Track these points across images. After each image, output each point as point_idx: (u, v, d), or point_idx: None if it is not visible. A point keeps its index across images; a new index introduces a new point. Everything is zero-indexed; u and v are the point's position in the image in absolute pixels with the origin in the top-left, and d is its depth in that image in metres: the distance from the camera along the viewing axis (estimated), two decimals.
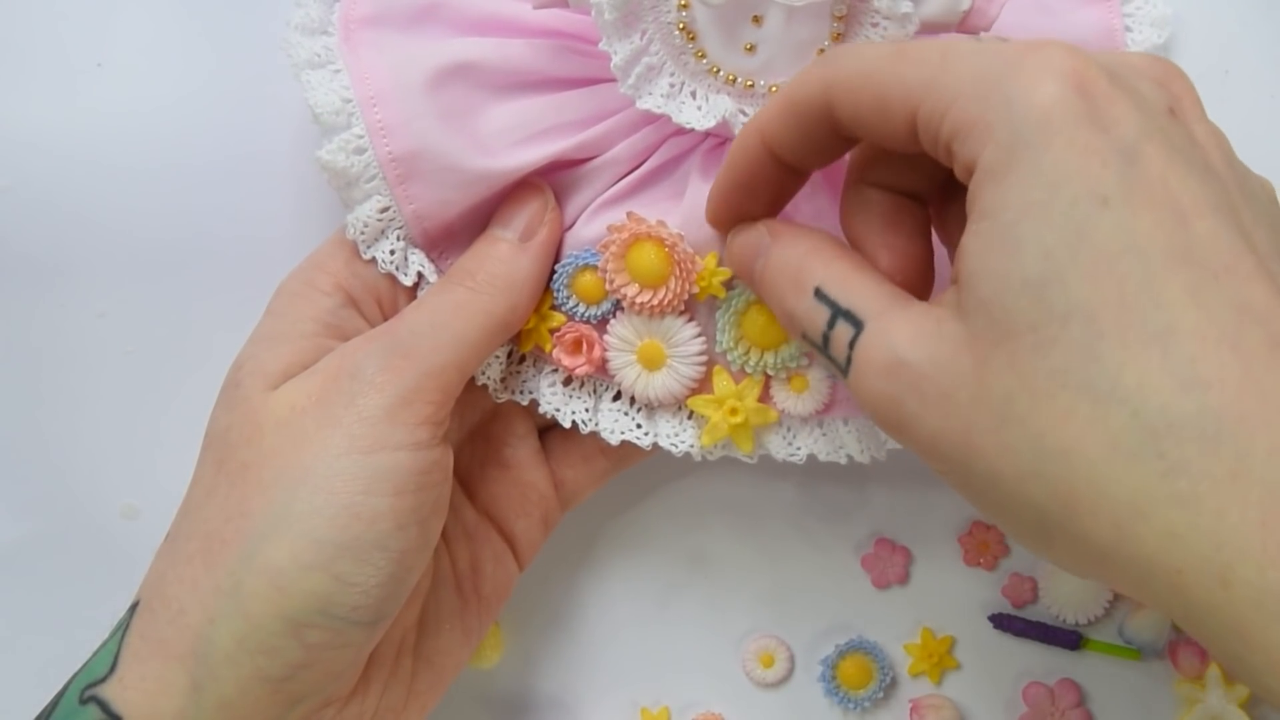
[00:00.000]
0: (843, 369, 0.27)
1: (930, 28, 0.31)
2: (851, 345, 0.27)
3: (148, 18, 0.39)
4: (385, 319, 0.34)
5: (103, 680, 0.30)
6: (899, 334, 0.26)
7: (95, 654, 0.31)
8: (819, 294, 0.28)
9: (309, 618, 0.29)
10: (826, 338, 0.28)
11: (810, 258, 0.29)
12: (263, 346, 0.32)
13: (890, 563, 0.40)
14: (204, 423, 0.33)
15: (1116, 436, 0.22)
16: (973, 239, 0.25)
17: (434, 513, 0.32)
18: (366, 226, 0.33)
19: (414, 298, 0.34)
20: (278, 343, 0.32)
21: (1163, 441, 0.22)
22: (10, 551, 0.39)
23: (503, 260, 0.33)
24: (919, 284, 0.29)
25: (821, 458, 0.36)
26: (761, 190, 0.31)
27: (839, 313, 0.27)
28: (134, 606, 0.31)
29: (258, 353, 0.32)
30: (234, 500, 0.30)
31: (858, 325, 0.27)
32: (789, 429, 0.35)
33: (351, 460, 0.30)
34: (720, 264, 0.33)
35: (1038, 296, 0.23)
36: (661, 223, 0.33)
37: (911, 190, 0.30)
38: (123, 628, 0.31)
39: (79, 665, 0.32)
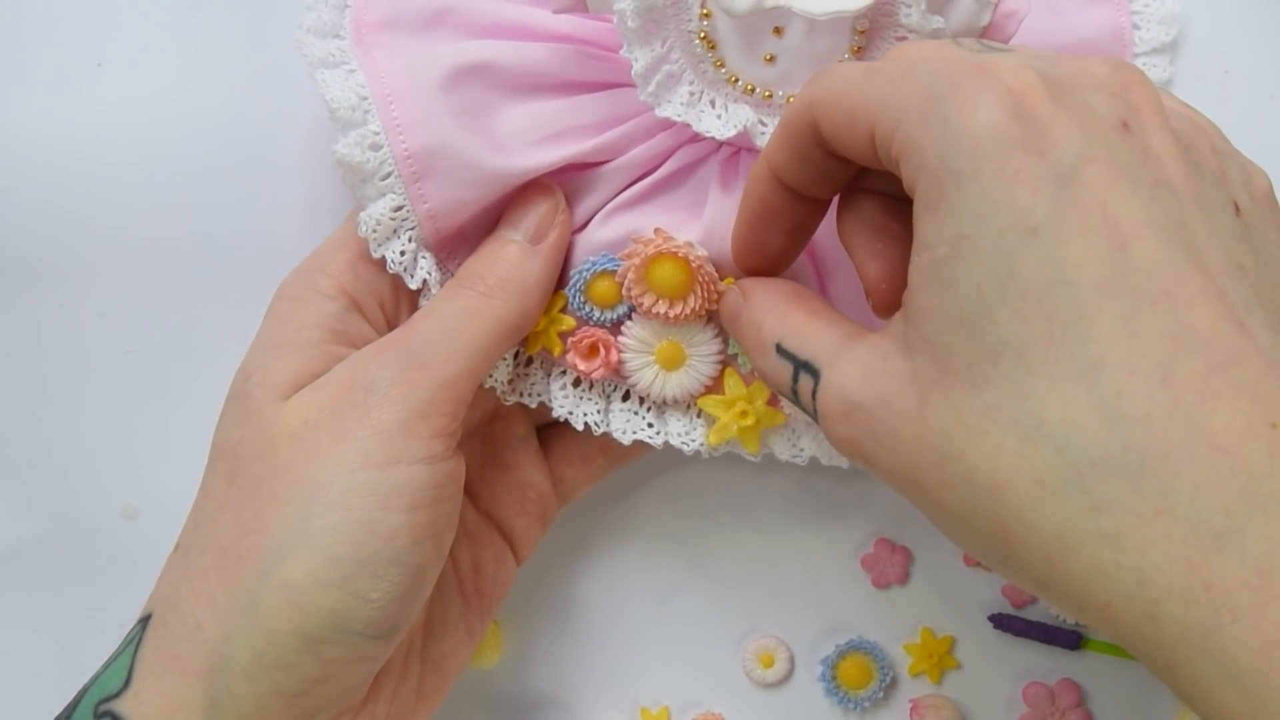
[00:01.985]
0: (814, 419, 0.28)
1: None
2: (814, 396, 0.27)
3: (147, 18, 0.39)
4: (388, 322, 0.34)
5: (117, 695, 0.30)
6: (849, 376, 0.26)
7: (106, 667, 0.31)
8: (780, 350, 0.28)
9: (326, 634, 0.29)
10: (795, 392, 0.28)
11: (768, 314, 0.29)
12: (269, 355, 0.32)
13: (890, 563, 0.40)
14: (206, 422, 0.33)
15: (1042, 474, 0.22)
16: (915, 273, 0.24)
17: (448, 525, 0.31)
18: (379, 225, 0.33)
19: (416, 302, 0.34)
20: (284, 351, 0.32)
21: (1087, 478, 0.22)
22: (10, 551, 0.39)
23: (513, 263, 0.33)
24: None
25: (824, 461, 0.36)
26: (778, 221, 0.31)
27: (799, 365, 0.28)
28: (145, 620, 0.31)
29: (265, 362, 0.32)
30: (248, 515, 0.30)
31: (815, 375, 0.27)
32: (793, 430, 0.36)
33: (367, 475, 0.29)
34: None
35: (971, 334, 0.23)
36: (689, 244, 0.33)
37: (903, 195, 0.30)
38: (135, 641, 0.31)
39: (79, 665, 0.32)
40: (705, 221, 0.33)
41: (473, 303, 0.32)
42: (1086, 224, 0.23)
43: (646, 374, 0.35)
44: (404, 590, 0.30)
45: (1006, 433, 0.23)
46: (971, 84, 0.24)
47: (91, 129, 0.38)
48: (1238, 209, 0.26)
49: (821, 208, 0.31)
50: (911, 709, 0.40)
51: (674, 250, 0.33)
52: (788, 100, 0.32)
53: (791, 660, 0.40)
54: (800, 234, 0.31)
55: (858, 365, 0.26)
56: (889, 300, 0.29)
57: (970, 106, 0.23)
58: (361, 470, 0.29)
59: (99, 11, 0.39)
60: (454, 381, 0.31)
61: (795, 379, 0.28)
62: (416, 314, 0.33)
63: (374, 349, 0.32)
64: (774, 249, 0.31)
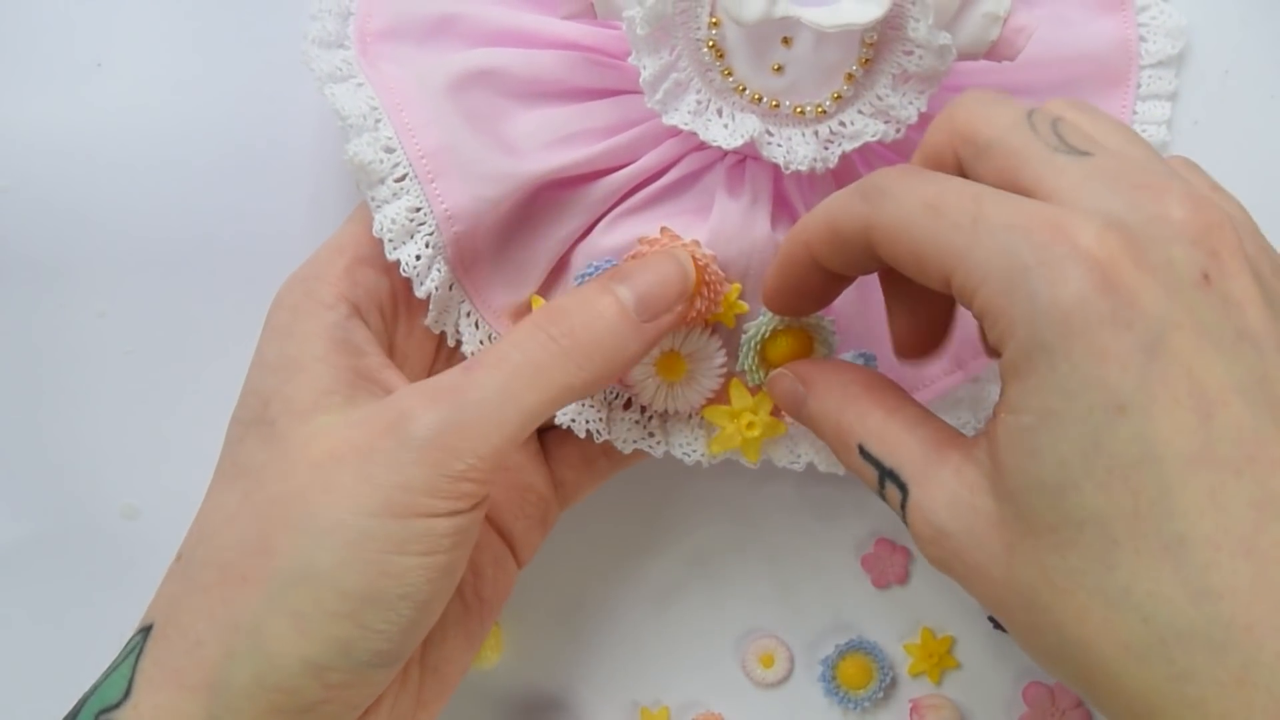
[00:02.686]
0: (905, 524, 0.28)
1: (959, 56, 0.31)
2: (903, 507, 0.28)
3: (148, 17, 0.39)
4: (387, 329, 0.34)
5: (116, 706, 0.29)
6: (938, 503, 0.27)
7: (106, 676, 0.31)
8: (863, 452, 0.29)
9: (331, 661, 0.29)
10: (884, 496, 0.29)
11: (846, 411, 0.30)
12: (281, 378, 0.31)
13: (890, 563, 0.40)
14: (206, 423, 0.33)
15: (1128, 640, 0.23)
16: (1001, 430, 0.25)
17: (462, 563, 0.31)
18: (394, 225, 0.32)
19: (421, 308, 0.34)
20: (294, 372, 0.31)
21: (1172, 649, 0.23)
22: (10, 551, 0.39)
23: (612, 332, 0.30)
24: (933, 341, 0.31)
25: (822, 468, 0.36)
26: (812, 291, 0.31)
27: (885, 473, 0.28)
28: (146, 630, 0.31)
29: (279, 386, 0.31)
30: (253, 534, 0.29)
31: (903, 489, 0.28)
32: (792, 438, 0.36)
33: (384, 522, 0.28)
34: (742, 297, 0.34)
35: (1056, 502, 0.24)
36: (695, 242, 0.33)
37: None
38: (135, 651, 0.30)
39: (79, 665, 0.32)
40: (711, 225, 0.33)
41: (547, 359, 0.30)
42: (1174, 397, 0.23)
43: (649, 385, 0.34)
44: (411, 622, 0.29)
45: (1093, 597, 0.24)
46: (1055, 253, 0.24)
47: (91, 129, 0.38)
48: None
49: (854, 279, 0.31)
50: (911, 709, 0.40)
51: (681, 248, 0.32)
52: (795, 110, 0.32)
53: (791, 660, 0.40)
54: (834, 297, 0.32)
55: (945, 492, 0.27)
56: (910, 352, 0.31)
57: (1057, 280, 0.24)
58: (379, 516, 0.28)
59: (99, 11, 0.39)
60: (496, 452, 0.29)
61: (882, 484, 0.28)
62: (486, 352, 0.30)
63: (424, 396, 0.29)
64: (803, 309, 0.32)
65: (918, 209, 0.26)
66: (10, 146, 0.38)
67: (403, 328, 0.35)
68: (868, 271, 0.30)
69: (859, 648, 0.40)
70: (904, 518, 0.28)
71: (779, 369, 0.32)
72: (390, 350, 0.34)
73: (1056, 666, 0.25)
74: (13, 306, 0.39)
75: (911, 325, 0.30)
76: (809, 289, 0.31)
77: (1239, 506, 0.23)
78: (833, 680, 0.40)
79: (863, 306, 0.35)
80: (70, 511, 0.39)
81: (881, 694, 0.40)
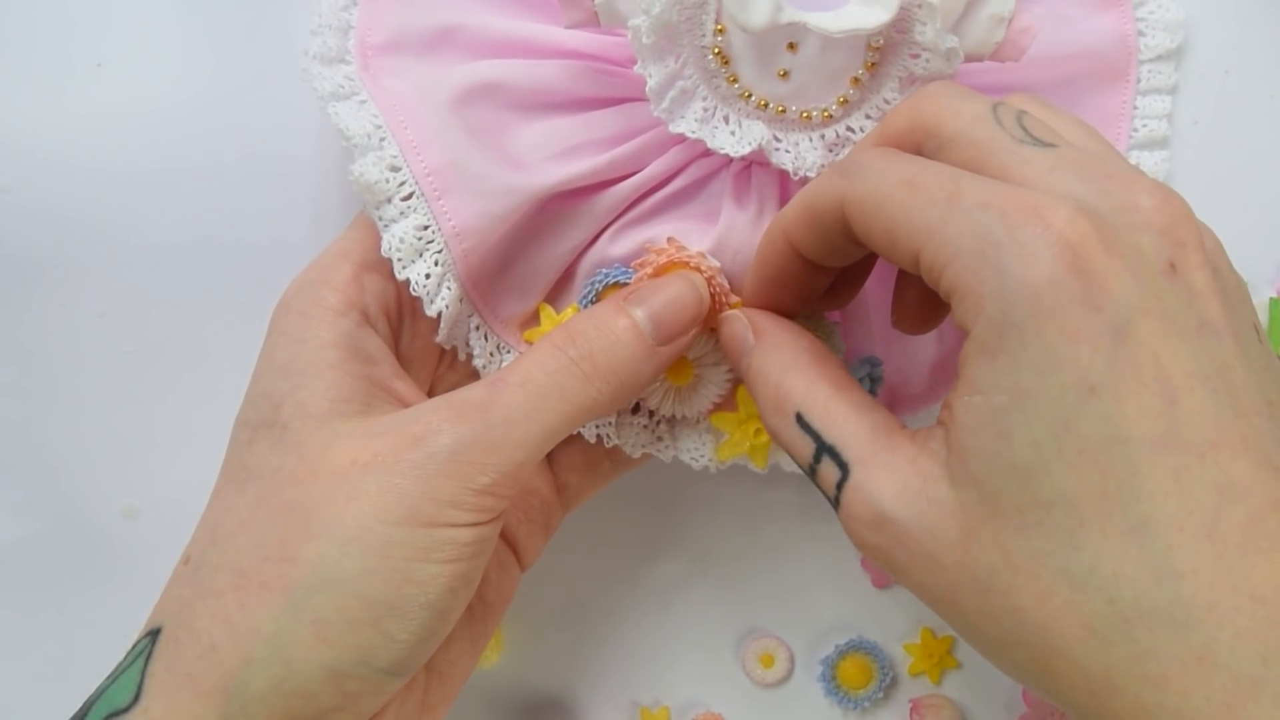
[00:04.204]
0: (832, 504, 0.28)
1: (964, 58, 0.31)
2: (839, 487, 0.28)
3: (148, 18, 0.39)
4: (394, 334, 0.34)
5: (126, 710, 0.29)
6: (885, 488, 0.27)
7: (113, 679, 0.30)
8: (801, 421, 0.29)
9: (350, 668, 0.29)
10: (814, 469, 0.28)
11: (789, 375, 0.29)
12: (294, 382, 0.31)
13: None
14: (206, 422, 0.33)
15: (1092, 620, 0.24)
16: (965, 413, 0.25)
17: (480, 572, 0.31)
18: (403, 243, 0.32)
19: (424, 313, 0.34)
20: (308, 378, 0.31)
21: (1135, 628, 0.23)
22: (10, 551, 0.39)
23: (632, 358, 0.31)
24: (935, 319, 0.31)
25: None
26: (792, 286, 0.31)
27: (823, 447, 0.28)
28: (155, 633, 0.31)
29: (292, 390, 0.31)
30: (274, 539, 0.29)
31: (843, 468, 0.27)
32: None
33: (409, 530, 0.29)
34: None
35: (1024, 483, 0.24)
36: (702, 254, 0.33)
37: None
38: (144, 655, 0.30)
39: (79, 665, 0.32)
40: (718, 232, 0.33)
41: (569, 383, 0.30)
42: (1141, 380, 0.24)
43: (657, 390, 0.34)
44: (430, 631, 0.30)
45: (1057, 578, 0.24)
46: (1028, 233, 0.24)
47: (91, 129, 0.38)
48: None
49: (835, 272, 0.31)
50: (911, 709, 0.40)
51: (686, 260, 0.32)
52: (801, 116, 0.32)
53: (791, 660, 0.40)
54: (814, 294, 0.32)
55: (894, 478, 0.27)
56: (908, 326, 0.31)
57: (1029, 259, 0.24)
58: (403, 524, 0.29)
59: (99, 11, 0.39)
60: (519, 468, 0.30)
61: (817, 459, 0.28)
62: (510, 370, 0.31)
63: (451, 411, 0.30)
64: (786, 309, 0.32)
65: (894, 183, 0.26)
66: (10, 147, 0.38)
67: (407, 333, 0.35)
68: (846, 259, 0.30)
69: (859, 648, 0.40)
70: (835, 498, 0.28)
71: (735, 310, 0.32)
72: (396, 355, 0.34)
73: (1008, 653, 0.25)
74: (12, 306, 0.39)
75: (919, 299, 0.31)
76: (788, 280, 0.31)
77: (1201, 490, 0.23)
78: (833, 680, 0.40)
79: (867, 313, 0.35)
80: (70, 511, 0.39)
81: (881, 694, 0.40)
